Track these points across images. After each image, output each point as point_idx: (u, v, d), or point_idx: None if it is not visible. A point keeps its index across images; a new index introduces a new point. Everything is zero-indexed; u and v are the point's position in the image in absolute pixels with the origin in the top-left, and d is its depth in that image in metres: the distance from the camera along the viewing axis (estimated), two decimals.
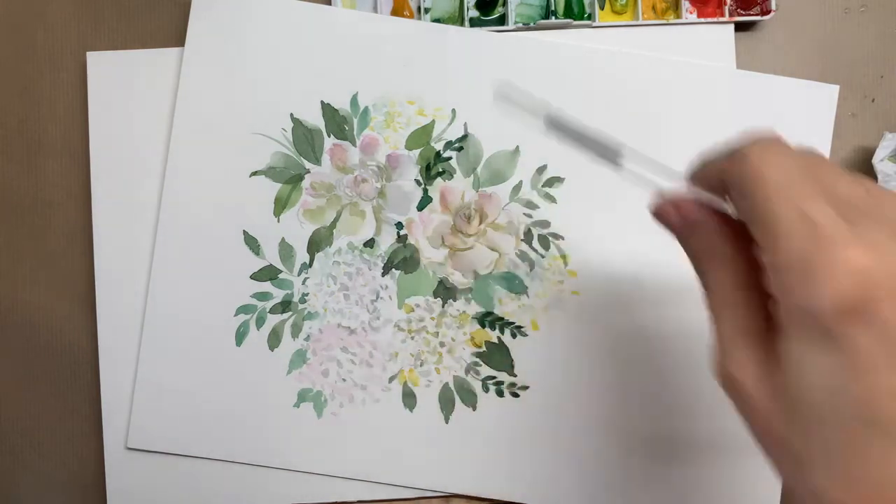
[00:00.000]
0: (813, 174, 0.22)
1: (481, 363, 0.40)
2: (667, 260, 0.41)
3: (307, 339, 0.41)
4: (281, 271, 0.41)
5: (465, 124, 0.41)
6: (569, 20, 0.41)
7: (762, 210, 0.22)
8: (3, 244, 0.42)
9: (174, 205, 0.41)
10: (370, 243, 0.41)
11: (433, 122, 0.41)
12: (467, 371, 0.41)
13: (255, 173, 0.41)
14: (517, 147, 0.41)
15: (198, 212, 0.41)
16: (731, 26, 0.41)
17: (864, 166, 0.41)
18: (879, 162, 0.39)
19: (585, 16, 0.41)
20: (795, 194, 0.21)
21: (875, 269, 0.20)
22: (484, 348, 0.40)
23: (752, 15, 0.41)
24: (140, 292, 0.41)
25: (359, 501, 0.41)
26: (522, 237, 0.41)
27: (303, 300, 0.41)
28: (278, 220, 0.41)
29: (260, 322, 0.41)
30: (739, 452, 0.40)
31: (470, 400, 0.40)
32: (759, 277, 0.23)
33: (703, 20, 0.41)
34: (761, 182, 0.22)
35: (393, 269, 0.41)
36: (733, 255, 0.25)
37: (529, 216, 0.41)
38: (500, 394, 0.40)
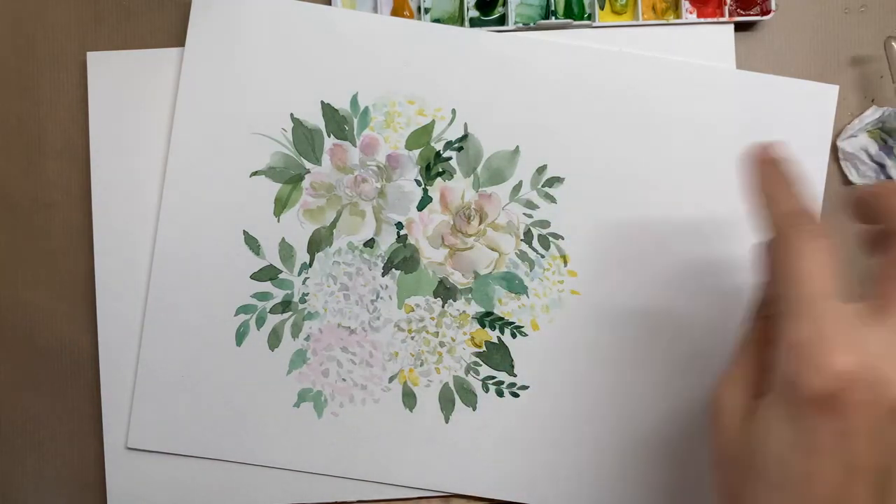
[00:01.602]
0: (835, 275, 0.25)
1: (481, 363, 0.40)
2: (667, 260, 0.41)
3: (307, 339, 0.41)
4: (281, 271, 0.41)
5: (466, 124, 0.41)
6: (569, 20, 0.41)
7: (784, 287, 0.25)
8: (3, 244, 0.42)
9: (174, 205, 0.41)
10: (370, 243, 0.41)
11: (433, 122, 0.41)
12: (467, 371, 0.41)
13: (255, 173, 0.41)
14: (517, 147, 0.41)
15: (198, 212, 0.41)
16: (731, 26, 0.41)
17: None
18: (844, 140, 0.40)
19: (585, 16, 0.41)
20: (817, 289, 0.24)
21: (856, 377, 0.23)
22: (484, 348, 0.40)
23: (752, 15, 0.41)
24: (140, 292, 0.41)
25: (359, 501, 0.41)
26: (522, 237, 0.41)
27: (303, 300, 0.41)
28: (278, 220, 0.41)
29: (260, 322, 0.41)
30: None
31: (470, 400, 0.40)
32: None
33: (703, 20, 0.41)
34: (792, 266, 0.25)
35: (393, 269, 0.41)
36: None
37: (529, 216, 0.41)
38: (500, 394, 0.40)
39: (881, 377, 0.23)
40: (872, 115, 0.40)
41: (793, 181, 0.28)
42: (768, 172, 0.29)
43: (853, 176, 0.40)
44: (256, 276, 0.41)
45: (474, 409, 0.40)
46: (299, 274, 0.41)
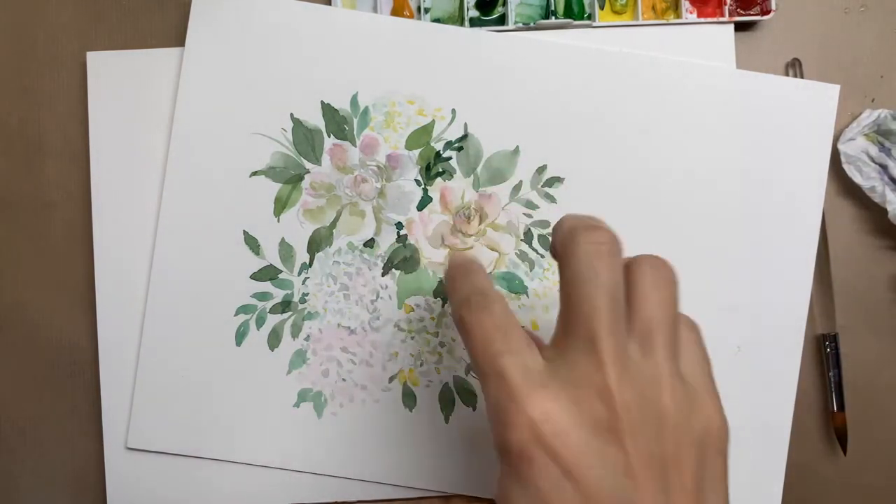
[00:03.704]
0: (512, 333, 0.26)
1: None
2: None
3: (307, 339, 0.41)
4: (281, 271, 0.41)
5: (466, 124, 0.41)
6: (569, 20, 0.41)
7: (473, 360, 0.27)
8: (3, 244, 0.42)
9: (174, 205, 0.41)
10: (370, 243, 0.41)
11: (433, 122, 0.41)
12: (467, 371, 0.41)
13: (255, 173, 0.41)
14: (517, 147, 0.41)
15: (198, 212, 0.41)
16: (731, 26, 0.41)
17: None
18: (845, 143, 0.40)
19: (585, 16, 0.41)
20: (494, 350, 0.26)
21: (545, 422, 0.23)
22: None
23: (752, 15, 0.41)
24: (140, 292, 0.41)
25: (359, 501, 0.41)
26: (522, 237, 0.41)
27: (303, 300, 0.41)
28: (278, 220, 0.41)
29: (260, 322, 0.41)
30: (739, 450, 0.40)
31: (470, 400, 0.40)
32: None
33: (703, 20, 0.41)
34: (470, 338, 0.27)
35: (393, 269, 0.41)
36: None
37: (529, 216, 0.41)
38: None
39: (568, 411, 0.24)
40: (868, 117, 0.40)
41: (472, 271, 0.30)
42: (453, 270, 0.31)
43: (857, 178, 0.40)
44: (256, 276, 0.41)
45: (474, 409, 0.40)
46: (299, 274, 0.41)
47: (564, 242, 0.27)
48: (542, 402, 0.24)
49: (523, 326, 0.28)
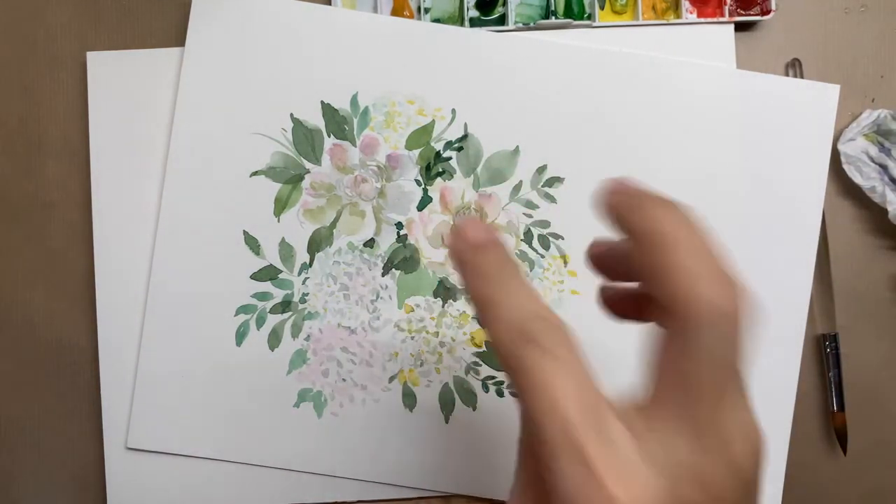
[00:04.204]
0: (597, 404, 0.21)
1: (481, 363, 0.40)
2: None
3: (307, 339, 0.41)
4: (281, 271, 0.41)
5: (466, 124, 0.41)
6: (569, 20, 0.41)
7: (530, 411, 0.22)
8: (3, 244, 0.42)
9: (174, 205, 0.41)
10: (370, 243, 0.41)
11: (433, 122, 0.41)
12: (467, 371, 0.41)
13: (255, 173, 0.41)
14: (517, 147, 0.41)
15: (198, 212, 0.41)
16: (731, 26, 0.41)
17: None
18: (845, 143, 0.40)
19: (585, 16, 0.41)
20: (571, 416, 0.20)
21: None
22: (484, 348, 0.40)
23: (752, 15, 0.41)
24: (140, 292, 0.41)
25: (359, 501, 0.41)
26: (522, 237, 0.41)
27: (303, 300, 0.41)
28: (278, 220, 0.41)
29: (260, 322, 0.41)
30: None
31: (470, 400, 0.40)
32: None
33: (703, 20, 0.41)
34: (532, 392, 0.21)
35: (393, 269, 0.41)
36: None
37: (529, 216, 0.41)
38: (500, 394, 0.40)
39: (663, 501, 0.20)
40: (868, 118, 0.40)
41: (519, 270, 0.22)
42: (484, 263, 0.23)
43: (857, 178, 0.40)
44: (256, 276, 0.41)
45: (474, 409, 0.40)
46: (299, 274, 0.41)
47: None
48: (635, 492, 0.20)
49: None
